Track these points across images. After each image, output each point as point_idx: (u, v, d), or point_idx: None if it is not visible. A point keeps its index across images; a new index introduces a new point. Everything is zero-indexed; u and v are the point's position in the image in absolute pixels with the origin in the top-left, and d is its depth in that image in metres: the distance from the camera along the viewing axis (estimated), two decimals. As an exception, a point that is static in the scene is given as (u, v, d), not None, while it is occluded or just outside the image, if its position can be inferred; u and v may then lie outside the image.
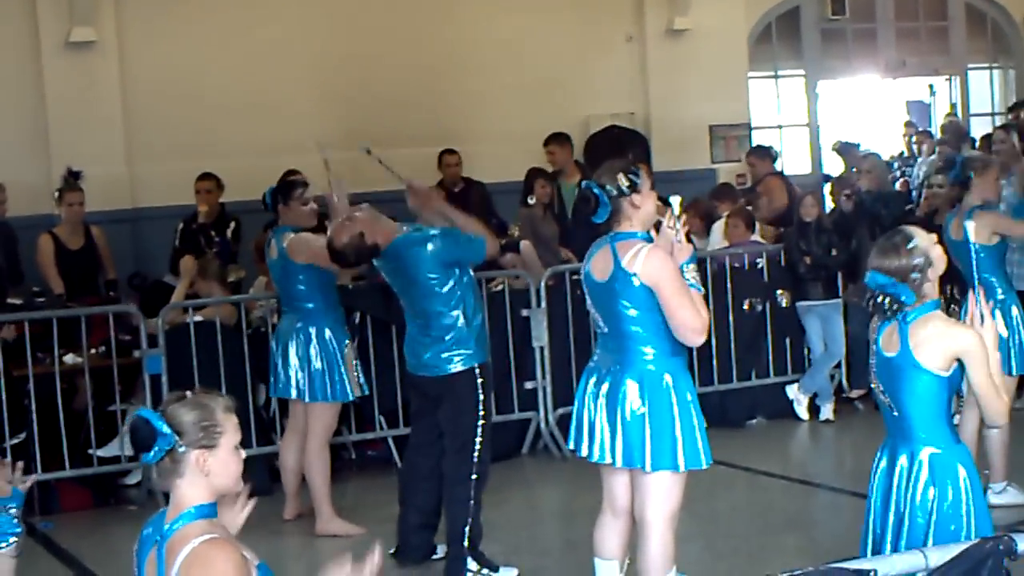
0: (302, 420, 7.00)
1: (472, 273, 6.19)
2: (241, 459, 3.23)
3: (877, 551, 4.13)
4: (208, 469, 3.15)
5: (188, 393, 3.24)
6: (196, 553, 3.05)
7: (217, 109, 10.59)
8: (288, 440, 7.14)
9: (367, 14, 11.19)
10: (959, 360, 4.03)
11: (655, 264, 4.75)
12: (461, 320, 5.96)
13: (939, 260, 4.13)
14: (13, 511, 3.65)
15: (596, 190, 4.83)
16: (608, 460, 4.86)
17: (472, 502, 5.98)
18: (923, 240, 4.11)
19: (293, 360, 6.84)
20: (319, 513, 6.90)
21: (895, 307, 4.02)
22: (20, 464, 3.74)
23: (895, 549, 4.04)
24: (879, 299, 4.04)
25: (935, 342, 4.00)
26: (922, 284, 4.05)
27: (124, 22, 10.41)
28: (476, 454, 5.97)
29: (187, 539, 3.08)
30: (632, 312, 4.79)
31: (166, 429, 3.13)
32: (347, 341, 6.96)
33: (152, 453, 3.14)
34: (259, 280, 8.53)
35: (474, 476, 5.98)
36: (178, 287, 8.17)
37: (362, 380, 7.04)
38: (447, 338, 5.96)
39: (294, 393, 6.89)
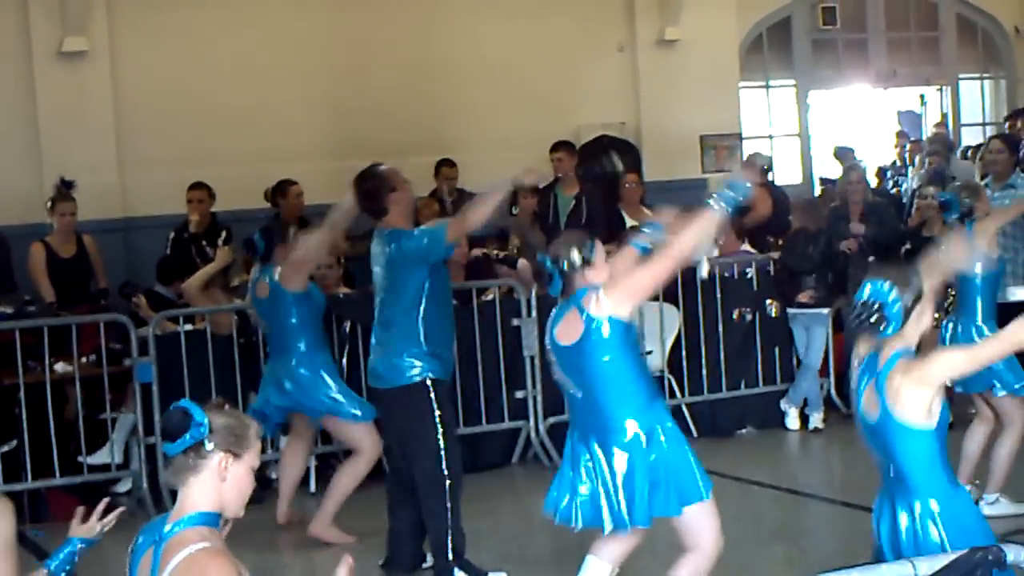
0: (304, 429, 7.09)
1: (447, 287, 6.17)
2: (252, 485, 3.24)
3: None
4: (226, 475, 3.16)
5: (226, 406, 3.28)
6: (191, 560, 3.05)
7: (209, 119, 10.60)
8: (292, 446, 7.20)
9: (359, 25, 11.20)
10: (942, 395, 3.92)
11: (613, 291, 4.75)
12: (419, 333, 5.94)
13: (928, 310, 4.02)
14: (80, 548, 3.76)
15: (549, 266, 4.82)
16: (620, 526, 4.83)
17: (449, 512, 5.96)
18: (925, 279, 4.05)
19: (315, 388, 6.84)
20: (321, 513, 6.89)
21: (879, 317, 3.92)
22: (119, 510, 3.82)
23: None
24: (869, 302, 3.93)
25: (909, 383, 3.88)
26: (908, 314, 3.94)
27: (116, 32, 10.42)
28: (444, 464, 5.94)
29: (184, 544, 3.08)
30: (606, 362, 4.74)
31: (203, 420, 3.14)
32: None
33: (178, 442, 3.14)
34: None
35: (448, 484, 5.95)
36: (206, 268, 8.13)
37: None
38: (400, 347, 5.94)
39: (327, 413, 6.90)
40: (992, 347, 4.09)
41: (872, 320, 3.94)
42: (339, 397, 6.83)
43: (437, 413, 5.96)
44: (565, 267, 4.80)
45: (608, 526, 4.81)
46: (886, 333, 3.94)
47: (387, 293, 6.06)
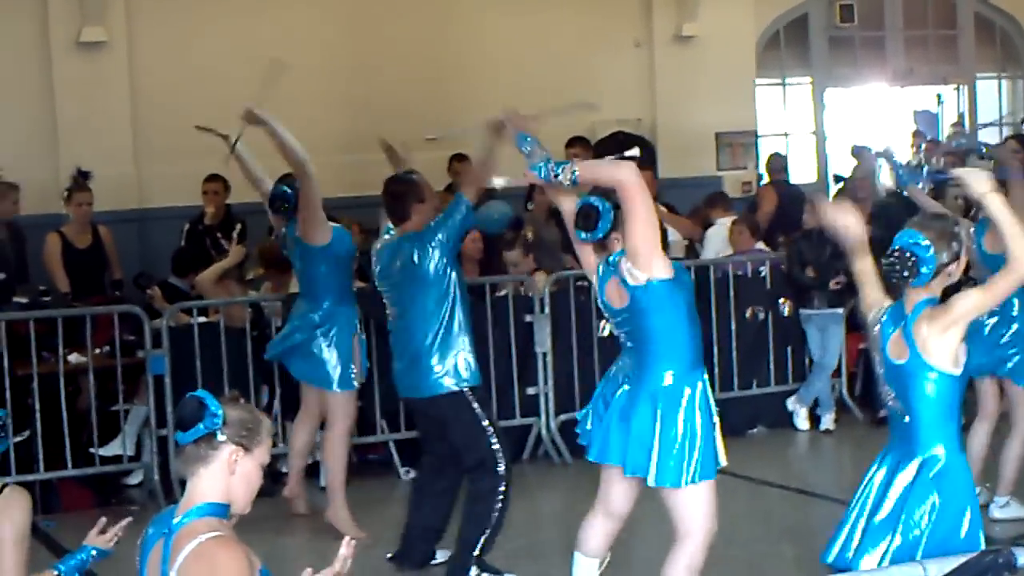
0: (315, 405, 7.10)
1: (464, 282, 6.14)
2: (260, 482, 3.26)
3: (846, 548, 4.13)
4: (235, 468, 3.18)
5: (241, 400, 3.30)
6: (201, 549, 3.07)
7: (225, 111, 10.57)
8: (301, 421, 7.22)
9: (375, 20, 11.21)
10: (964, 342, 4.02)
11: (627, 241, 4.73)
12: (451, 329, 5.92)
13: (963, 263, 4.13)
14: (94, 555, 3.79)
15: (596, 202, 4.81)
16: (618, 464, 4.86)
17: (496, 514, 5.92)
18: (965, 235, 4.14)
19: (306, 347, 6.89)
20: (332, 499, 6.91)
21: (911, 271, 4.01)
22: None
23: (885, 554, 4.04)
24: (905, 254, 4.01)
25: (935, 332, 4.00)
26: (943, 268, 4.04)
27: (134, 23, 10.45)
28: (499, 467, 5.92)
29: (194, 534, 3.09)
30: (657, 321, 4.77)
31: (218, 411, 3.15)
32: (355, 332, 7.05)
33: (191, 431, 3.15)
34: (265, 284, 8.56)
35: (501, 488, 5.92)
36: (220, 263, 8.15)
37: (363, 372, 7.08)
38: (430, 351, 5.90)
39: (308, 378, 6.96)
40: (1008, 279, 4.10)
41: (904, 274, 4.03)
42: (330, 372, 6.88)
43: (484, 420, 5.91)
44: (611, 205, 4.76)
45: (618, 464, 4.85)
46: (913, 284, 4.04)
47: (407, 299, 6.00)
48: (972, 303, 4.05)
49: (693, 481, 4.75)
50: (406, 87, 11.24)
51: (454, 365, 5.92)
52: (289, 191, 6.95)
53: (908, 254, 4.01)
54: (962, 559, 3.73)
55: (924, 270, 4.01)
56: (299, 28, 10.98)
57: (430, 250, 5.92)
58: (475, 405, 5.94)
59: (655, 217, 4.75)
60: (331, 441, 6.94)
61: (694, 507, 4.81)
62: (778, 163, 11.44)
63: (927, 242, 4.01)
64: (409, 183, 6.12)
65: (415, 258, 5.95)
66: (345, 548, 3.27)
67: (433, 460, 6.28)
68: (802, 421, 9.03)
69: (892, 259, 4.05)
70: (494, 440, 5.92)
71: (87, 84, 10.26)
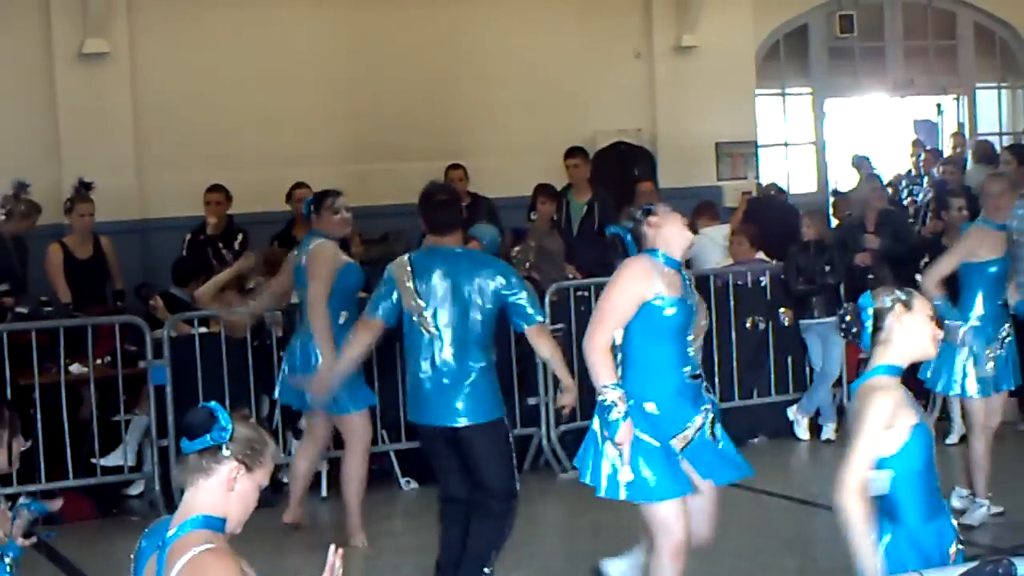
0: (320, 430, 7.01)
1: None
2: (255, 503, 3.25)
3: None
4: (234, 486, 3.16)
5: (252, 420, 3.30)
6: (195, 561, 3.05)
7: (227, 121, 10.65)
8: (304, 446, 7.15)
9: (376, 30, 11.24)
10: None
11: (616, 274, 4.87)
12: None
13: (911, 326, 3.92)
14: (8, 560, 3.78)
15: (615, 229, 4.95)
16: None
17: (507, 530, 5.82)
18: (907, 313, 3.92)
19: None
20: (351, 522, 6.83)
21: (854, 335, 3.95)
22: (19, 523, 3.84)
23: None
24: (855, 310, 3.96)
25: (860, 414, 3.87)
26: (877, 334, 3.92)
27: (137, 34, 10.49)
28: (517, 487, 5.83)
29: (187, 546, 3.08)
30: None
31: (227, 425, 3.14)
32: None
33: (197, 441, 3.14)
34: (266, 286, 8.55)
35: (514, 505, 5.83)
36: (219, 276, 8.15)
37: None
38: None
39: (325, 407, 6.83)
40: (855, 526, 3.90)
41: (851, 333, 3.97)
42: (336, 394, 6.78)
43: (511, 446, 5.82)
44: (630, 225, 4.90)
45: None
46: (860, 343, 3.98)
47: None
48: (858, 449, 3.92)
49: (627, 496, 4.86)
50: (407, 97, 11.27)
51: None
52: (306, 208, 6.96)
53: (856, 310, 3.95)
54: (961, 568, 3.73)
55: (864, 326, 3.93)
56: (301, 40, 11.02)
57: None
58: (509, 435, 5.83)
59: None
60: (347, 468, 6.83)
61: (653, 521, 4.92)
62: (770, 190, 11.50)
63: (871, 300, 3.94)
64: (449, 188, 6.09)
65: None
66: (332, 556, 3.26)
67: (456, 507, 5.94)
68: (803, 431, 9.03)
69: (847, 314, 3.98)
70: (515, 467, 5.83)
71: (89, 95, 10.29)
